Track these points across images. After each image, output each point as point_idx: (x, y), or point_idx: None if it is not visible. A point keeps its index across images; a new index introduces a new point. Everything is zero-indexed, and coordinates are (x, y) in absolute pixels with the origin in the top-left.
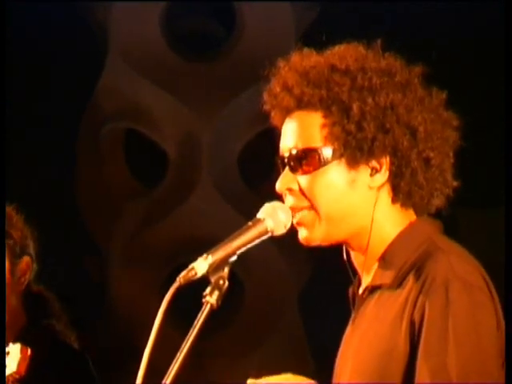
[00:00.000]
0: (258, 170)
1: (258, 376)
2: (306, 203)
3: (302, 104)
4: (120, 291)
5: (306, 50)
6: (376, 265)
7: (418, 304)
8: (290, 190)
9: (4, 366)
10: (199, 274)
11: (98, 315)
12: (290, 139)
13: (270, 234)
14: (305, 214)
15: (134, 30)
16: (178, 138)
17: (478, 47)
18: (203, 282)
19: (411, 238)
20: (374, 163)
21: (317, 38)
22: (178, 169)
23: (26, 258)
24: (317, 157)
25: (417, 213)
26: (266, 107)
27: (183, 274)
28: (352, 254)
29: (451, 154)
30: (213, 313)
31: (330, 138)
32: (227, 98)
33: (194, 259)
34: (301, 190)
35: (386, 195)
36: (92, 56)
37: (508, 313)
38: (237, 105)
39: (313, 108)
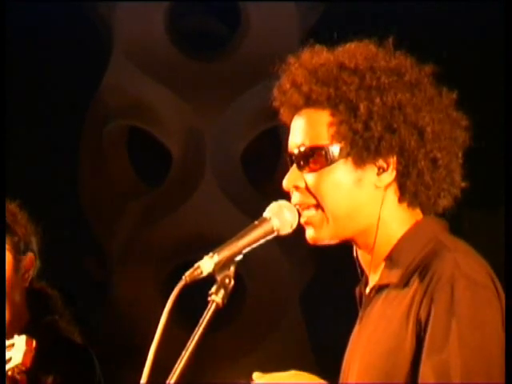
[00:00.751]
0: (262, 169)
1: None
2: (312, 201)
3: (310, 101)
4: (123, 290)
5: (317, 47)
6: (383, 264)
7: (424, 302)
8: (296, 187)
9: (4, 366)
10: (205, 273)
11: (100, 313)
12: (297, 136)
13: (276, 234)
14: (313, 214)
15: (139, 29)
16: (182, 137)
17: (478, 47)
18: (209, 280)
19: (417, 237)
20: (380, 162)
21: (320, 37)
22: (182, 167)
23: (29, 255)
24: (324, 155)
25: (424, 212)
26: (276, 104)
27: (189, 272)
28: (359, 252)
29: (460, 155)
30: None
31: (337, 137)
32: (231, 96)
33: (197, 258)
34: (307, 187)
35: (392, 194)
36: (96, 54)
37: (508, 313)
38: (240, 103)
39: (321, 106)
